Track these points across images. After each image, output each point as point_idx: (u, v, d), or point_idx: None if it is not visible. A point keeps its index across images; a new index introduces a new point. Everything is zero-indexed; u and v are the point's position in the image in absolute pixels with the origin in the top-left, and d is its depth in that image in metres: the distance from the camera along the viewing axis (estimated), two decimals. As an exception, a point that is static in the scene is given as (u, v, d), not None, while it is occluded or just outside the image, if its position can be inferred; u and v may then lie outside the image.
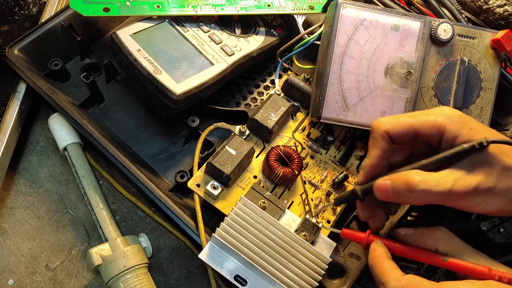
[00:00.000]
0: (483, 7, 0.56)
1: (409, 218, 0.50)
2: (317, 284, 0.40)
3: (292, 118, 0.51)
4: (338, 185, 0.48)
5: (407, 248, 0.38)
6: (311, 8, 0.57)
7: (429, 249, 0.37)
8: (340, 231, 0.42)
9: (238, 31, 0.55)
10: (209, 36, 0.52)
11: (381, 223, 0.43)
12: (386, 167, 0.40)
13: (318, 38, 0.52)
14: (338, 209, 0.47)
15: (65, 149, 0.52)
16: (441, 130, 0.36)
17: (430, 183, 0.34)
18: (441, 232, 0.37)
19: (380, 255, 0.37)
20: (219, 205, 0.44)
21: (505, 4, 0.55)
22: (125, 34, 0.48)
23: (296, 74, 0.55)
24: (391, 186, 0.36)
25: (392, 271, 0.36)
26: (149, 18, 0.51)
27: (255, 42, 0.54)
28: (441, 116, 0.37)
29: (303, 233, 0.42)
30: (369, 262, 0.38)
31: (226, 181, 0.44)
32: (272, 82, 0.57)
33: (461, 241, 0.37)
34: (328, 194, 0.48)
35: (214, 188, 0.44)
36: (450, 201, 0.35)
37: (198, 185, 0.44)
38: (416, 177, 0.35)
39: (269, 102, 0.48)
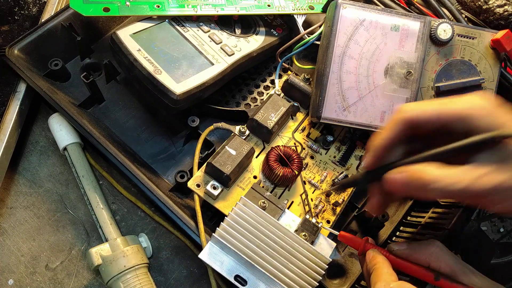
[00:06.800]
0: (483, 7, 0.56)
1: (409, 218, 0.50)
2: (317, 284, 0.40)
3: (292, 118, 0.51)
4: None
5: (400, 262, 0.38)
6: (311, 8, 0.57)
7: (422, 264, 0.37)
8: (338, 233, 0.42)
9: (238, 31, 0.55)
10: (209, 36, 0.52)
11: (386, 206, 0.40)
12: (401, 155, 0.37)
13: (318, 38, 0.52)
14: (338, 209, 0.47)
15: (65, 149, 0.52)
16: (471, 123, 0.33)
17: (445, 181, 0.32)
18: (433, 247, 0.37)
19: (382, 262, 0.37)
20: (219, 205, 0.44)
21: (505, 4, 0.55)
22: (125, 34, 0.48)
23: (296, 74, 0.55)
24: (404, 180, 0.33)
25: (388, 275, 0.36)
26: (149, 18, 0.51)
27: (255, 42, 0.54)
28: (472, 108, 0.33)
29: (303, 233, 0.42)
30: (370, 267, 0.38)
31: (226, 181, 0.44)
32: (272, 82, 0.57)
33: (454, 257, 0.37)
34: (328, 195, 0.48)
35: (214, 188, 0.44)
36: (467, 198, 0.33)
37: (198, 185, 0.44)
38: (433, 173, 0.32)
39: (269, 102, 0.48)
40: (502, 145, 0.32)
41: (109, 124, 0.54)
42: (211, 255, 0.40)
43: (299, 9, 0.56)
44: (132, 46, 0.47)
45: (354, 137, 0.51)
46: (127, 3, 0.49)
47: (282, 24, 0.57)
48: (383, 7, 0.52)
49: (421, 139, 0.36)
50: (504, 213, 0.35)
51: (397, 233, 0.49)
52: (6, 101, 0.52)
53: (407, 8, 0.55)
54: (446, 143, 0.34)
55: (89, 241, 0.50)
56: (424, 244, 0.38)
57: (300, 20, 0.56)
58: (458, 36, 0.49)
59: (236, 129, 0.48)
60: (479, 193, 0.31)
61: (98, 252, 0.46)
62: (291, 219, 0.43)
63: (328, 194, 0.48)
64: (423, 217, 0.49)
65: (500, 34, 0.48)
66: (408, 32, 0.48)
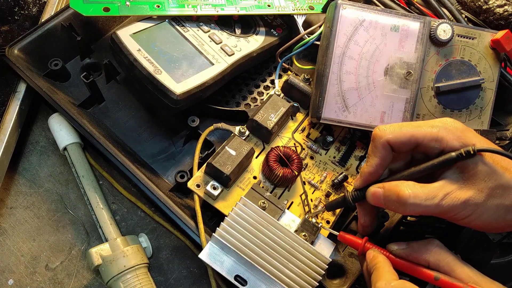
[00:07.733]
0: (483, 7, 0.56)
1: (409, 218, 0.50)
2: (317, 284, 0.40)
3: (292, 119, 0.51)
4: (337, 185, 0.48)
5: (400, 261, 0.38)
6: (311, 8, 0.57)
7: (421, 264, 0.37)
8: (338, 233, 0.42)
9: (238, 31, 0.55)
10: (209, 36, 0.52)
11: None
12: (386, 174, 0.40)
13: (318, 39, 0.52)
14: (338, 210, 0.47)
15: (65, 149, 0.52)
16: (442, 144, 0.36)
17: (420, 197, 0.35)
18: (432, 246, 0.37)
19: (383, 261, 0.38)
20: (219, 206, 0.44)
21: (505, 4, 0.55)
22: (125, 34, 0.48)
23: (296, 74, 0.55)
24: (382, 195, 0.37)
25: (389, 274, 0.36)
26: (149, 18, 0.51)
27: (255, 42, 0.54)
28: (443, 130, 0.36)
29: (303, 233, 0.42)
30: (370, 267, 0.38)
31: (226, 181, 0.44)
32: (272, 82, 0.57)
33: (452, 255, 0.37)
34: (327, 195, 0.48)
35: (214, 188, 0.44)
36: (438, 214, 0.36)
37: (198, 186, 0.44)
38: (407, 190, 0.35)
39: (269, 103, 0.48)
40: (469, 163, 0.35)
41: (109, 124, 0.54)
42: (211, 255, 0.40)
43: (299, 9, 0.56)
44: (132, 46, 0.47)
45: (354, 137, 0.51)
46: (127, 3, 0.49)
47: (282, 24, 0.57)
48: (383, 7, 0.52)
49: (401, 159, 0.40)
50: (471, 227, 0.37)
51: (397, 233, 0.49)
52: (6, 101, 0.52)
53: (407, 8, 0.55)
54: (422, 162, 0.37)
55: (89, 241, 0.50)
56: (424, 243, 0.38)
57: (300, 20, 0.56)
58: (458, 36, 0.49)
59: (236, 129, 0.48)
60: (449, 208, 0.35)
61: (98, 252, 0.46)
62: (291, 219, 0.44)
63: (327, 195, 0.48)
64: (423, 216, 0.49)
65: (500, 34, 0.48)
66: (408, 32, 0.48)
